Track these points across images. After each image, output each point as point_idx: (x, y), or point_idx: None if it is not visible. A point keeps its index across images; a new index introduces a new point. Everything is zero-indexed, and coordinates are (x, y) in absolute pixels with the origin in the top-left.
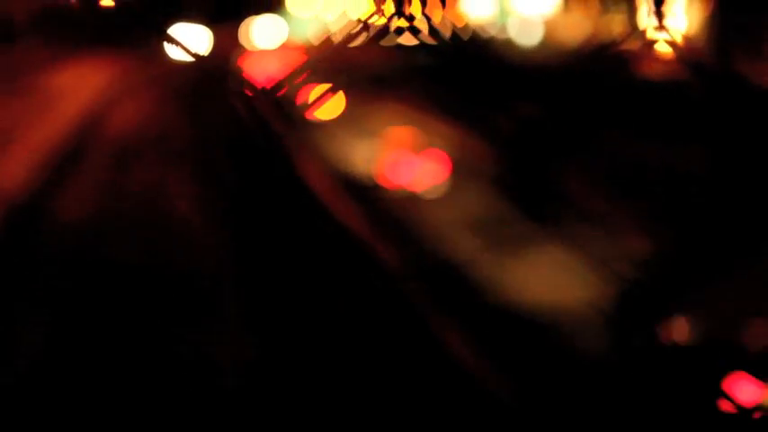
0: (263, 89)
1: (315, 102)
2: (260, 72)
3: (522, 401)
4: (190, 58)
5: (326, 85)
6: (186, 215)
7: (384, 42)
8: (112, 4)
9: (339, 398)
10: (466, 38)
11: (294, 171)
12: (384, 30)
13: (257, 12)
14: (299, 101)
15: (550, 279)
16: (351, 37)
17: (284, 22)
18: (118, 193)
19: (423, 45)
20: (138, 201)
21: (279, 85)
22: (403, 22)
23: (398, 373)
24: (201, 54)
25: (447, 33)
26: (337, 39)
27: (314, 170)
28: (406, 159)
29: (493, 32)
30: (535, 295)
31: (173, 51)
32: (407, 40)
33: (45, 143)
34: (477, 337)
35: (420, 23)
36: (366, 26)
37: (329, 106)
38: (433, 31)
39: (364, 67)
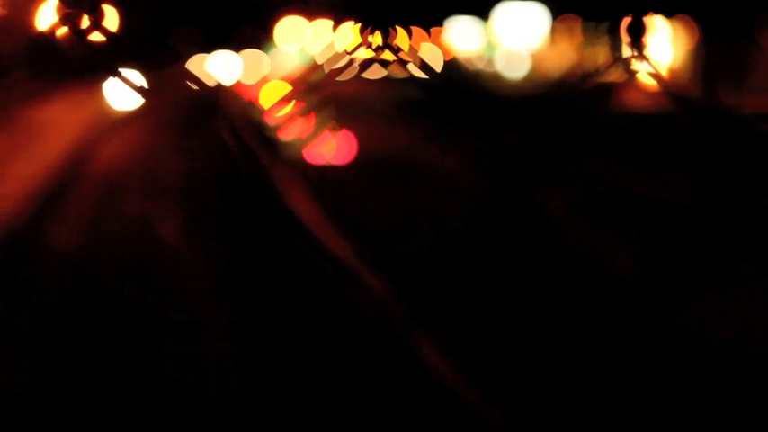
0: (252, 120)
1: (306, 136)
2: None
3: (500, 417)
4: (175, 92)
5: (317, 120)
6: (173, 246)
7: (370, 75)
8: (102, 38)
9: (324, 417)
10: (453, 71)
11: (281, 201)
12: (370, 62)
13: (248, 45)
14: (287, 136)
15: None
16: (336, 70)
17: (239, 57)
18: (105, 225)
19: (410, 78)
20: (125, 232)
21: (267, 117)
22: (389, 55)
23: (383, 396)
24: (194, 86)
25: (435, 66)
26: (323, 71)
27: (301, 200)
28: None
29: (480, 66)
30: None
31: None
32: (394, 72)
33: (33, 176)
34: (455, 356)
35: (406, 56)
36: (352, 59)
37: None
38: (422, 64)
39: (351, 99)
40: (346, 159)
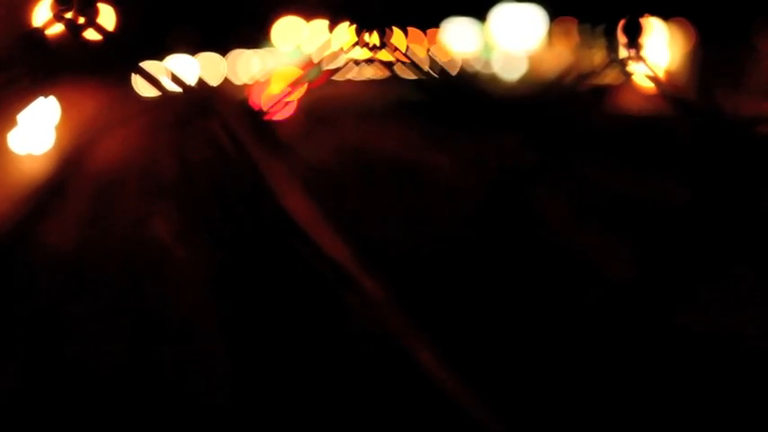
0: (247, 119)
1: (273, 106)
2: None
3: (496, 420)
4: (174, 90)
5: (283, 88)
6: (168, 246)
7: (363, 73)
8: (99, 36)
9: (319, 419)
10: (452, 72)
11: (277, 201)
12: (366, 61)
13: (244, 44)
14: (257, 107)
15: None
16: (332, 68)
17: (196, 62)
18: (100, 225)
19: (406, 78)
20: (121, 233)
21: (262, 115)
22: (385, 55)
23: (379, 398)
24: (188, 85)
25: (431, 67)
26: (318, 69)
27: (296, 199)
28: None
29: (477, 67)
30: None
31: (158, 83)
32: (380, 73)
33: (29, 175)
34: (452, 359)
35: (402, 56)
36: (348, 59)
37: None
38: (414, 64)
39: (347, 99)
40: (288, 115)
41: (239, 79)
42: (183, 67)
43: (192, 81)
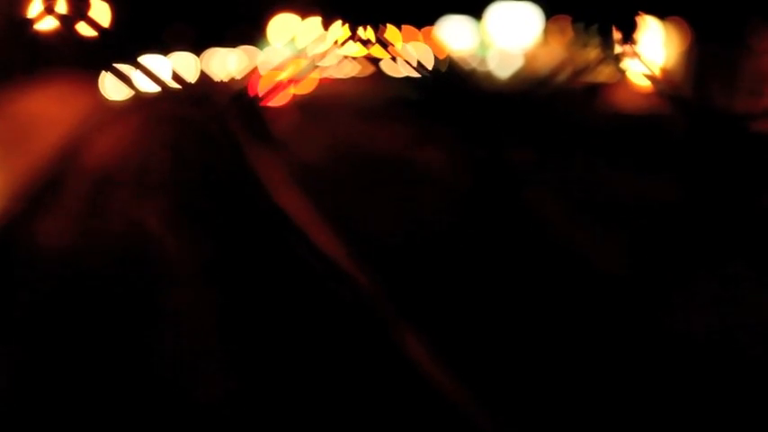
0: (240, 113)
1: (269, 92)
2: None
3: (487, 413)
4: (168, 86)
5: (278, 75)
6: (162, 241)
7: (343, 69)
8: (93, 33)
9: (310, 411)
10: (445, 69)
11: (268, 195)
12: (353, 58)
13: (238, 42)
14: (253, 92)
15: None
16: (324, 64)
17: (168, 61)
18: (96, 220)
19: (391, 74)
20: (116, 227)
21: (256, 108)
22: (378, 50)
23: (369, 392)
24: (182, 81)
25: (424, 64)
26: (311, 62)
27: (288, 193)
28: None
29: (473, 64)
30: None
31: (150, 80)
32: (385, 67)
33: (25, 170)
34: (443, 353)
35: (396, 52)
36: (341, 54)
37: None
38: (407, 61)
39: (341, 96)
40: (283, 103)
41: (216, 77)
42: (157, 67)
43: (168, 79)
